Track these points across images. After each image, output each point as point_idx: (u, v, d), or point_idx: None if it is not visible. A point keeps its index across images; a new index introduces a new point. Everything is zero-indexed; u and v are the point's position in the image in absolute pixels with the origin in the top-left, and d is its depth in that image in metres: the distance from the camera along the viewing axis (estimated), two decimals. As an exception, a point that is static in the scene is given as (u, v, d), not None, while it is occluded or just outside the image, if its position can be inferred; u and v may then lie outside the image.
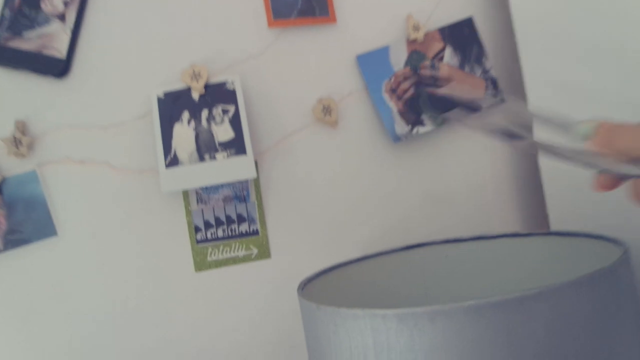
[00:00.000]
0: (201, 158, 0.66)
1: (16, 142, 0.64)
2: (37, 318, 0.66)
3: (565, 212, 0.73)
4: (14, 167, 0.65)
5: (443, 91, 0.77)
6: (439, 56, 0.78)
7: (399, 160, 0.77)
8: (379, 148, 0.76)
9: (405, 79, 0.76)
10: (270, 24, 0.73)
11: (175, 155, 0.66)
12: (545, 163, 0.74)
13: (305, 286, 0.59)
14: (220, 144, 0.67)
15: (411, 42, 0.77)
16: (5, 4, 0.65)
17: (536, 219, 0.82)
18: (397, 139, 0.75)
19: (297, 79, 0.74)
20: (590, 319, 0.39)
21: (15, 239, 0.65)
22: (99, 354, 0.67)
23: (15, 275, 0.66)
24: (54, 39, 0.66)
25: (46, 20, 0.66)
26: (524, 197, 0.82)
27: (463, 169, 0.79)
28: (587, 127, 0.34)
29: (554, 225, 0.74)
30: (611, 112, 0.65)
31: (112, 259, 0.68)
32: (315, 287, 0.62)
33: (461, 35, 0.78)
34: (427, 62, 0.77)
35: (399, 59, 0.76)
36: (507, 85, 0.80)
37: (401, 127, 0.75)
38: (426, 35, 0.77)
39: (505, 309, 0.38)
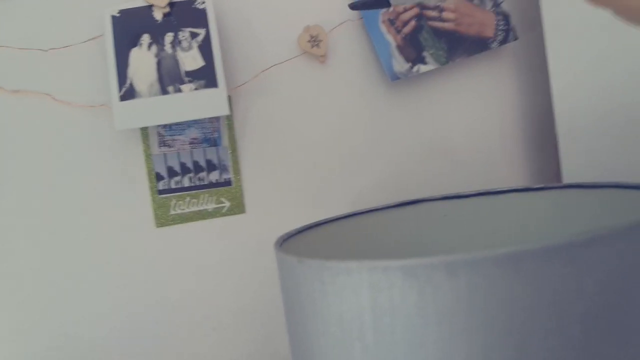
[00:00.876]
0: (163, 90, 0.56)
1: None
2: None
3: (581, 167, 0.65)
4: None
5: (448, 26, 0.67)
6: (445, -15, 0.67)
7: (395, 103, 0.67)
8: (373, 87, 0.67)
9: (406, 9, 0.66)
10: None
11: (131, 85, 0.55)
12: (562, 110, 0.65)
13: (283, 243, 0.50)
14: (187, 74, 0.56)
15: (414, -33, 0.66)
16: None
17: (548, 175, 0.74)
18: (394, 77, 0.65)
19: (282, 3, 0.63)
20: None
21: None
22: (50, 311, 0.58)
23: None
24: (-19, -63, 0.54)
25: None
26: (535, 149, 0.74)
27: (468, 115, 0.70)
28: None
29: (567, 180, 0.66)
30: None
31: (55, 209, 0.58)
32: (295, 245, 0.53)
33: None
34: None
35: None
36: (522, 21, 0.71)
37: (400, 64, 0.65)
38: (431, -41, 0.67)
39: (548, 259, 0.29)
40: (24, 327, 0.58)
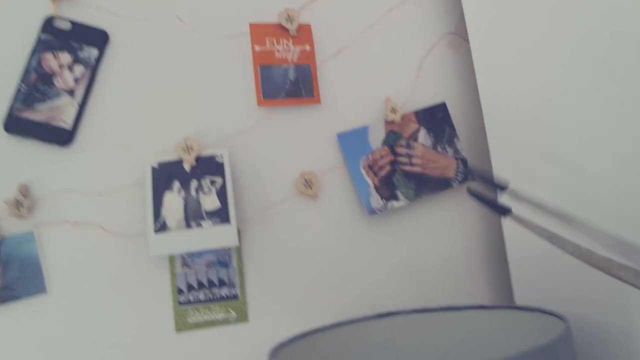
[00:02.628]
0: (188, 225, 0.72)
1: (17, 204, 0.70)
2: (21, 374, 0.69)
3: (529, 284, 0.77)
4: (12, 227, 0.70)
5: (417, 169, 0.83)
6: (414, 136, 0.85)
7: (374, 232, 0.82)
8: (355, 221, 0.82)
9: (382, 156, 0.83)
10: (259, 103, 0.80)
11: (164, 221, 0.71)
12: (510, 237, 0.79)
13: (276, 353, 0.63)
14: (207, 213, 0.72)
15: (389, 123, 0.84)
16: (22, 79, 0.72)
17: (503, 291, 0.86)
18: (372, 212, 0.80)
19: (282, 154, 0.80)
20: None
21: (7, 295, 0.69)
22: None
23: (4, 330, 0.69)
24: (62, 111, 0.73)
25: (57, 94, 0.73)
26: (492, 270, 0.87)
27: (435, 242, 0.85)
28: None
29: (518, 297, 0.78)
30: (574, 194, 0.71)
31: (97, 318, 0.72)
32: (287, 353, 0.65)
33: (435, 118, 0.86)
34: (403, 142, 0.84)
35: (377, 138, 0.83)
36: (477, 164, 0.87)
37: (376, 201, 0.81)
38: (403, 117, 0.85)
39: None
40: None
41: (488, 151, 0.81)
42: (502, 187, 0.65)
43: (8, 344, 0.69)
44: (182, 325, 0.74)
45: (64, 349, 0.70)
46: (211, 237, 0.71)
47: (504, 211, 0.60)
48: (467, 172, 0.85)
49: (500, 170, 0.80)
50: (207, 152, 0.75)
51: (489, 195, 0.61)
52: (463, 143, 0.86)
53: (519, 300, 0.78)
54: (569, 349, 0.49)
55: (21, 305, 0.69)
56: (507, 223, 0.80)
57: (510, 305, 0.70)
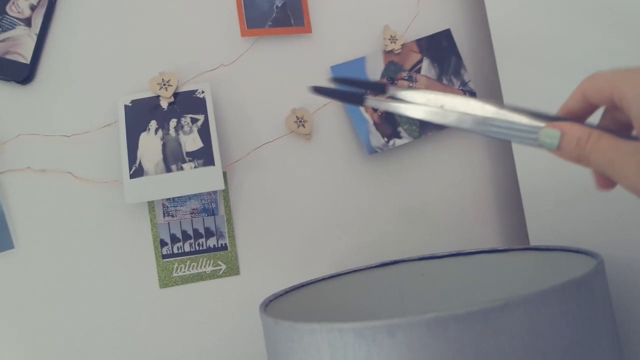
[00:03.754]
0: (168, 168, 0.64)
1: (-27, 149, 0.62)
2: (-12, 335, 0.62)
3: (544, 226, 0.71)
4: (-30, 175, 0.63)
5: None
6: (416, 68, 0.76)
7: (374, 174, 0.75)
8: (353, 161, 0.74)
9: None
10: (243, 34, 0.71)
11: (140, 165, 0.64)
12: (524, 177, 0.72)
13: (270, 303, 0.56)
14: (188, 154, 0.65)
15: (388, 53, 0.76)
16: (-31, 8, 0.63)
17: (516, 234, 0.80)
18: (372, 151, 0.73)
19: (271, 89, 0.72)
20: (561, 331, 0.36)
21: (-32, 251, 0.62)
22: (54, 375, 0.64)
23: (-33, 289, 0.62)
24: (18, 43, 0.64)
25: (11, 24, 0.64)
26: (504, 212, 0.80)
27: (441, 183, 0.77)
28: (550, 137, 0.31)
29: (534, 240, 0.72)
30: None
31: (72, 273, 0.65)
32: (283, 305, 0.59)
33: (439, 47, 0.78)
34: (404, 74, 0.76)
35: (375, 70, 0.75)
36: (486, 97, 0.79)
37: (377, 139, 0.73)
38: (403, 46, 0.76)
39: (470, 322, 0.35)
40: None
41: (498, 82, 0.73)
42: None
43: (-27, 304, 0.62)
44: (166, 280, 0.68)
45: (36, 309, 0.64)
46: (194, 180, 0.64)
47: (360, 100, 0.45)
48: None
49: (511, 101, 0.72)
50: (186, 88, 0.67)
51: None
52: (471, 74, 0.78)
53: (534, 243, 0.72)
54: (603, 284, 0.43)
55: (-14, 262, 0.63)
56: (520, 159, 0.72)
57: (528, 246, 0.63)
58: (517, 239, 0.80)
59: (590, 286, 0.39)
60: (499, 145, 0.80)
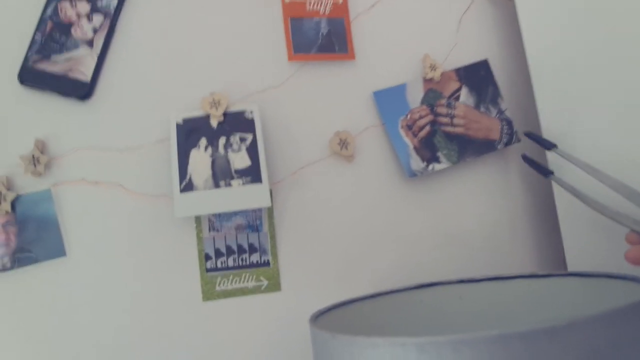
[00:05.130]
0: (216, 184, 0.66)
1: (34, 160, 0.65)
2: (41, 339, 0.64)
3: (582, 253, 0.71)
4: (29, 185, 0.65)
5: (459, 130, 0.77)
6: (455, 95, 0.79)
7: (413, 197, 0.76)
8: (394, 184, 0.76)
9: (422, 116, 0.77)
10: (290, 58, 0.74)
11: (190, 180, 0.66)
12: (562, 203, 0.73)
13: (316, 319, 0.57)
14: (236, 172, 0.67)
15: (428, 81, 0.78)
16: (37, 28, 0.67)
17: (553, 261, 0.80)
18: (412, 174, 0.75)
19: (315, 111, 0.75)
20: (622, 354, 0.37)
21: (24, 257, 0.64)
22: (97, 384, 0.65)
23: (21, 294, 0.64)
24: (80, 63, 0.68)
25: (75, 45, 0.68)
26: (541, 238, 0.81)
27: (478, 207, 0.79)
28: None
29: (571, 267, 0.73)
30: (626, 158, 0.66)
31: (120, 283, 0.67)
32: (326, 321, 0.60)
33: (477, 76, 0.80)
34: (444, 101, 0.78)
35: (415, 97, 0.77)
36: (523, 126, 0.81)
37: (417, 163, 0.75)
38: (443, 74, 0.78)
39: (534, 341, 0.36)
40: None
41: (535, 111, 0.75)
42: (550, 146, 0.69)
43: (25, 309, 0.64)
44: (209, 293, 0.69)
45: (83, 316, 0.65)
46: (241, 197, 0.66)
47: (547, 172, 0.70)
48: (513, 134, 0.79)
49: (549, 130, 0.74)
50: (235, 108, 0.70)
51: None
52: (507, 103, 0.80)
53: (572, 269, 0.72)
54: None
55: (40, 269, 0.65)
56: (558, 188, 0.74)
57: (570, 272, 0.64)
58: (553, 264, 0.80)
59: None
60: (535, 173, 0.81)
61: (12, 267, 0.64)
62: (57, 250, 0.65)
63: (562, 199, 0.73)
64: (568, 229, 0.73)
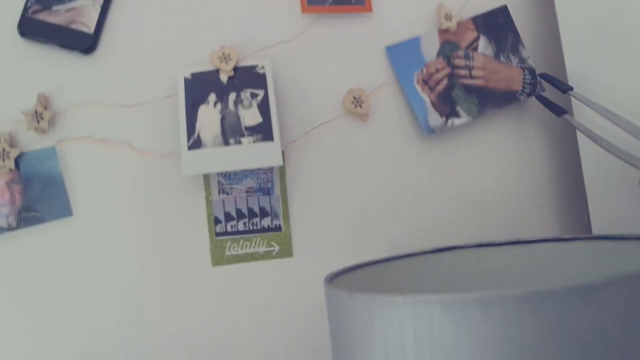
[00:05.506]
0: (226, 142, 0.63)
1: (37, 116, 0.62)
2: (46, 299, 0.63)
3: (608, 217, 0.68)
4: (33, 142, 0.63)
5: (478, 82, 0.73)
6: (472, 46, 0.74)
7: (431, 156, 0.73)
8: (411, 143, 0.72)
9: (438, 70, 0.73)
10: (304, 10, 0.70)
11: (198, 137, 0.63)
12: (588, 164, 0.70)
13: (331, 280, 0.55)
14: (247, 129, 0.64)
15: (443, 32, 0.74)
16: (36, -23, 0.63)
17: (575, 225, 0.77)
18: (430, 131, 0.71)
19: (329, 67, 0.71)
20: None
21: (30, 216, 0.62)
22: (106, 341, 0.63)
23: (27, 254, 0.62)
24: (82, 13, 0.64)
25: (76, -6, 0.64)
26: (563, 201, 0.77)
27: (499, 167, 0.75)
28: None
29: (596, 230, 0.69)
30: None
31: (127, 245, 0.65)
32: (341, 283, 0.58)
33: (496, 24, 0.75)
34: (461, 52, 0.73)
35: (430, 50, 0.73)
36: (552, 72, 0.76)
37: (435, 118, 0.71)
38: (459, 24, 0.74)
39: (570, 299, 0.33)
40: (86, 353, 0.63)
41: (561, 59, 0.71)
42: (566, 89, 0.68)
43: (32, 270, 0.63)
44: (219, 258, 0.67)
45: (90, 277, 0.64)
46: (252, 155, 0.63)
47: (560, 111, 0.69)
48: (536, 84, 0.74)
49: (574, 76, 0.70)
50: (246, 62, 0.66)
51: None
52: (529, 50, 0.75)
53: (597, 232, 0.69)
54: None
55: (46, 229, 0.63)
56: (584, 144, 0.70)
57: (597, 235, 0.61)
58: (576, 229, 0.77)
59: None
60: (561, 124, 0.77)
61: (18, 227, 0.62)
62: (63, 209, 0.63)
63: (588, 159, 0.70)
64: (594, 191, 0.69)
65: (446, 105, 0.72)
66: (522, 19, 0.77)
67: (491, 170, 0.75)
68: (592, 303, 0.33)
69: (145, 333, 0.64)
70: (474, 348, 0.35)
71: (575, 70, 0.70)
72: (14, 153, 0.62)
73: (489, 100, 0.73)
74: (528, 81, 0.74)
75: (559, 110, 0.70)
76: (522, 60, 0.74)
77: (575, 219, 0.77)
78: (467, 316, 0.35)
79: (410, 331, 0.37)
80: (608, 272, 0.59)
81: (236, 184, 0.68)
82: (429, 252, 0.67)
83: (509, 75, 0.74)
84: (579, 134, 0.70)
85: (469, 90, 0.72)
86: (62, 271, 0.63)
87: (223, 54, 0.66)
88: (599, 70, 0.68)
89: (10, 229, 0.62)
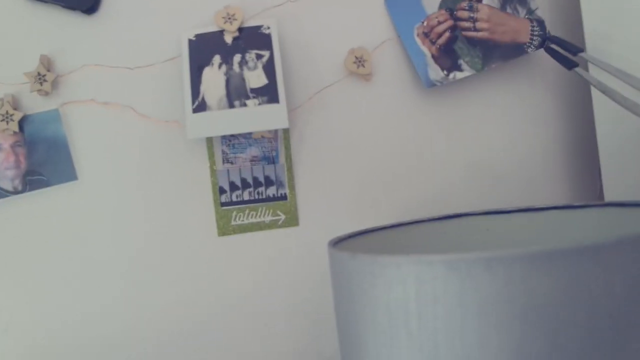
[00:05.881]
0: (231, 104, 0.62)
1: (40, 78, 0.61)
2: (51, 263, 0.63)
3: (622, 183, 0.66)
4: (36, 104, 0.63)
5: (482, 35, 0.70)
6: (477, -4, 0.71)
7: (437, 116, 0.71)
8: (415, 101, 0.70)
9: (440, 22, 0.69)
10: (311, -31, 0.68)
11: (203, 100, 0.62)
12: (603, 127, 0.67)
13: (335, 245, 0.54)
14: (252, 91, 0.63)
15: (446, -19, 0.71)
16: None
17: (588, 191, 0.75)
18: (430, 84, 0.68)
19: (333, 27, 0.69)
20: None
21: (35, 180, 0.62)
22: (111, 306, 0.64)
23: (33, 218, 0.63)
24: (83, -28, 0.63)
25: (77, -48, 0.63)
26: (576, 165, 0.75)
27: (507, 128, 0.73)
28: None
29: (608, 197, 0.67)
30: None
31: (131, 210, 0.65)
32: (345, 247, 0.57)
33: None
34: (464, 3, 0.70)
35: (432, 2, 0.70)
36: (562, 26, 0.73)
37: (435, 72, 0.68)
38: (463, -27, 0.71)
39: (578, 258, 0.32)
40: (90, 317, 0.64)
41: (577, 8, 0.67)
42: (578, 50, 0.65)
43: (37, 233, 0.63)
44: (225, 228, 0.66)
45: (95, 241, 0.64)
46: (257, 117, 0.62)
47: (571, 64, 0.66)
48: (545, 36, 0.71)
49: (592, 34, 0.66)
50: (251, 23, 0.65)
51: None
52: (540, 1, 0.72)
53: (609, 199, 0.67)
54: None
55: (51, 192, 0.63)
56: (598, 104, 0.67)
57: (609, 202, 0.59)
58: (587, 196, 0.75)
59: None
60: (573, 84, 0.74)
61: (23, 190, 0.62)
62: (68, 173, 0.63)
63: (603, 121, 0.67)
64: (608, 155, 0.67)
65: (448, 58, 0.69)
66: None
67: (498, 131, 0.72)
68: (601, 263, 0.32)
69: (149, 298, 0.65)
70: (479, 309, 0.34)
71: (593, 29, 0.67)
72: (17, 115, 0.61)
73: (494, 53, 0.69)
74: (536, 33, 0.70)
75: (570, 64, 0.66)
76: (530, 11, 0.71)
77: (588, 185, 0.75)
78: (471, 276, 0.34)
79: (413, 292, 0.37)
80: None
81: (240, 153, 0.67)
82: (435, 220, 0.66)
83: (516, 27, 0.70)
84: (594, 94, 0.68)
85: (473, 43, 0.69)
86: (67, 235, 0.63)
87: (227, 14, 0.64)
88: (617, 30, 0.65)
89: (16, 192, 0.62)
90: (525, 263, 0.33)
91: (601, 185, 0.68)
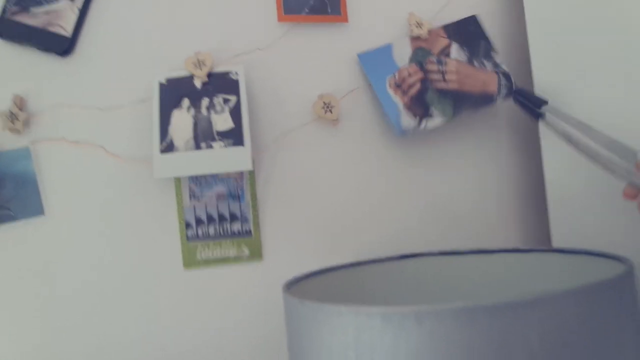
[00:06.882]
0: (197, 146, 0.65)
1: (12, 116, 0.63)
2: (15, 297, 0.64)
3: (568, 229, 0.70)
4: (7, 142, 0.64)
5: (452, 86, 0.74)
6: (445, 52, 0.75)
7: (403, 161, 0.74)
8: (382, 147, 0.74)
9: (410, 74, 0.74)
10: (280, 19, 0.72)
11: (171, 141, 0.65)
12: (552, 177, 0.72)
13: (291, 286, 0.57)
14: (219, 133, 0.65)
15: (415, 39, 0.75)
16: (15, -21, 0.64)
17: (538, 235, 0.79)
18: (402, 132, 0.71)
19: (302, 75, 0.72)
20: (587, 331, 0.36)
21: (2, 214, 0.64)
22: (77, 342, 0.65)
23: (-1, 252, 0.64)
24: (60, 16, 0.65)
25: (54, -3, 0.65)
26: (527, 210, 0.79)
27: (468, 173, 0.77)
28: None
29: (556, 243, 0.72)
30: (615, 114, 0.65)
31: (99, 246, 0.66)
32: (303, 289, 0.59)
33: (466, 32, 0.76)
34: (433, 58, 0.75)
35: (403, 56, 0.74)
36: (520, 80, 0.78)
37: (407, 120, 0.72)
38: (430, 32, 0.75)
39: (498, 315, 0.35)
40: (55, 353, 0.64)
41: (529, 66, 0.72)
42: (542, 102, 0.69)
43: (3, 267, 0.64)
44: (190, 261, 0.68)
45: (61, 275, 0.65)
46: (222, 159, 0.64)
47: (537, 115, 0.69)
48: (512, 86, 0.75)
49: (542, 87, 0.71)
50: (220, 69, 0.68)
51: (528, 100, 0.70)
52: (502, 57, 0.77)
53: (557, 245, 0.71)
54: (633, 289, 0.42)
55: (18, 227, 0.64)
56: (548, 158, 0.72)
57: (553, 248, 0.63)
58: (538, 240, 0.79)
59: (621, 289, 0.39)
60: (527, 139, 0.79)
61: (-10, 224, 0.64)
62: (35, 208, 0.65)
63: (552, 172, 0.72)
64: (556, 203, 0.71)
65: (420, 107, 0.72)
66: (497, 28, 0.79)
67: (459, 176, 0.76)
68: (520, 320, 0.35)
69: (115, 334, 0.66)
70: (408, 358, 0.37)
71: (543, 81, 0.72)
72: (-12, 152, 0.63)
73: (465, 102, 0.73)
74: (504, 84, 0.75)
75: (537, 115, 0.69)
76: (496, 65, 0.76)
77: (538, 232, 0.80)
78: (403, 328, 0.37)
79: (352, 339, 0.39)
80: (561, 284, 0.61)
81: (207, 190, 0.69)
82: (393, 259, 0.69)
83: (484, 79, 0.75)
84: (543, 142, 0.72)
85: (443, 93, 0.73)
86: (32, 270, 0.65)
87: (197, 59, 0.67)
88: (567, 82, 0.70)
89: (-17, 225, 0.63)
90: (451, 317, 0.36)
91: (549, 231, 0.72)
